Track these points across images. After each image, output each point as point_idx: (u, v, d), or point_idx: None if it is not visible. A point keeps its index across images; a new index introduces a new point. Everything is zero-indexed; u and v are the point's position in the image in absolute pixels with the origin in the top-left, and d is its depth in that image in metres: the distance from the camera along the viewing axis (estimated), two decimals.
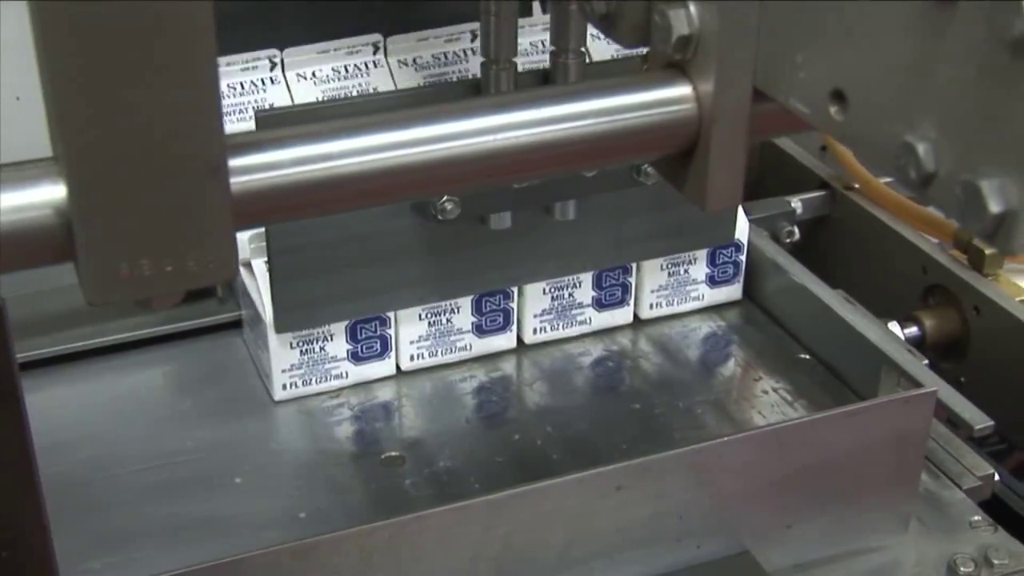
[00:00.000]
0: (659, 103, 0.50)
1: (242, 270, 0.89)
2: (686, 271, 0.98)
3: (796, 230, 1.05)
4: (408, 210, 0.84)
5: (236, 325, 0.96)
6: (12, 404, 0.53)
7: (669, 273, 0.97)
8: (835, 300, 0.93)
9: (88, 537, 0.78)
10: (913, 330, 0.99)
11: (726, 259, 0.99)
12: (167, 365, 0.93)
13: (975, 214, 0.40)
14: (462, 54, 0.89)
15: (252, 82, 0.85)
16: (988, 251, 0.98)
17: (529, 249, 0.90)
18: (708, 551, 0.76)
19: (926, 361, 0.88)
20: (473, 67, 0.88)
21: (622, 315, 0.97)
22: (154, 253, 0.44)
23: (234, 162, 0.44)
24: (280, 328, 0.86)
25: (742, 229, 0.98)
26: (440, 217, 0.82)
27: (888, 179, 1.06)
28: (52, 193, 0.43)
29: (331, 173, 0.46)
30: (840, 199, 1.09)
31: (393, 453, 0.85)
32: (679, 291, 0.98)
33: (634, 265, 0.96)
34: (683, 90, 0.50)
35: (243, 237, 0.88)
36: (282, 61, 0.86)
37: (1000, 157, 0.39)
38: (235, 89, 0.85)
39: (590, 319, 0.96)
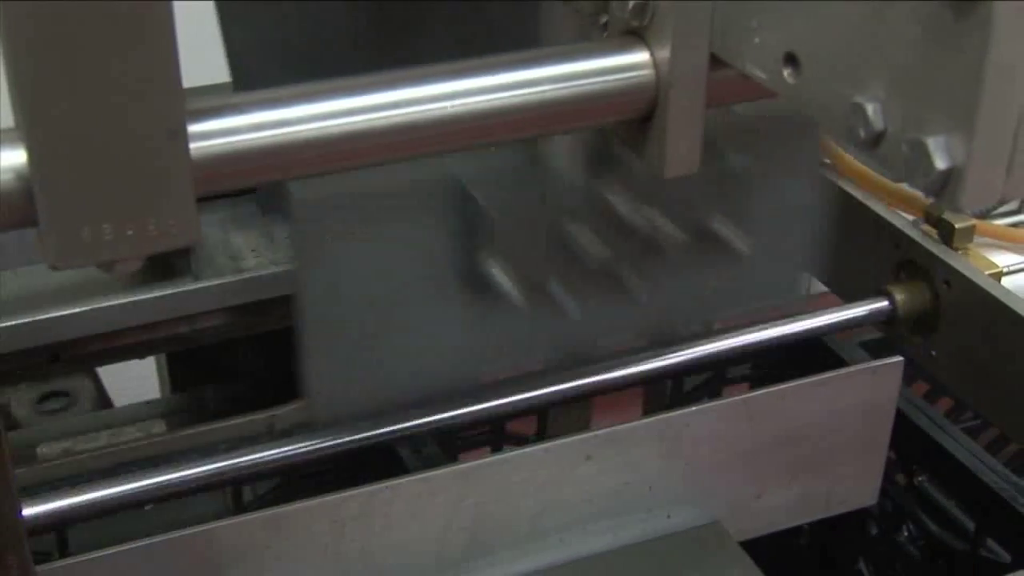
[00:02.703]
0: (617, 69, 0.50)
1: None
2: None
3: None
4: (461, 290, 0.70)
5: None
6: None
7: None
8: None
9: None
10: (885, 304, 0.99)
11: None
12: None
13: (922, 171, 0.41)
14: None
15: None
16: (958, 225, 0.99)
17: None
18: (678, 521, 0.76)
19: None
20: None
21: None
22: (115, 217, 0.44)
23: (194, 127, 0.45)
24: (319, 417, 0.72)
25: None
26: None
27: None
28: (13, 158, 0.43)
29: (290, 138, 0.46)
30: None
31: None
32: None
33: None
34: (641, 56, 0.50)
35: None
36: None
37: (945, 115, 0.40)
38: None
39: None
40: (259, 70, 0.79)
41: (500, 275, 0.67)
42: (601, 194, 0.68)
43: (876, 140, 0.43)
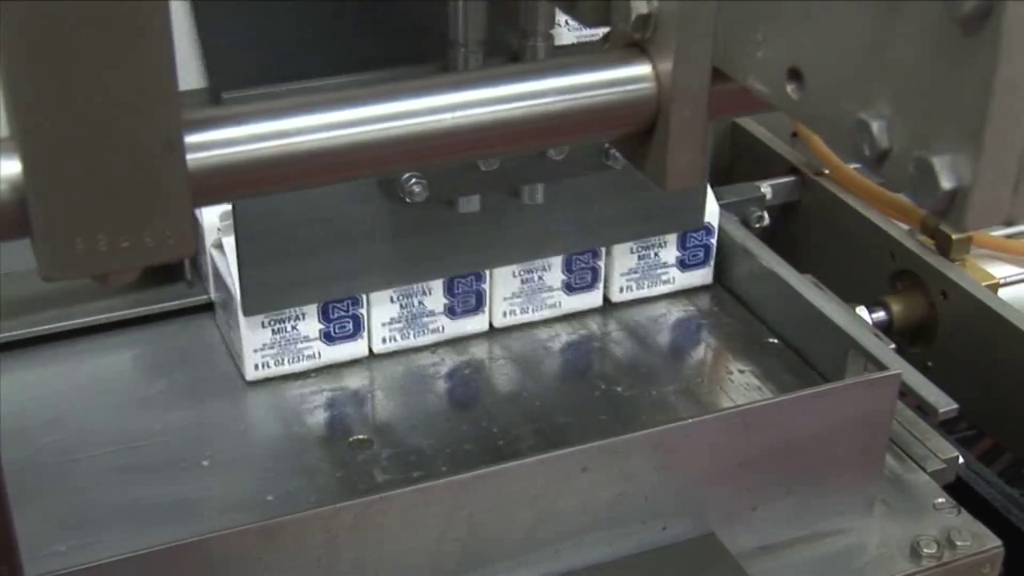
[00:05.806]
0: (619, 82, 0.50)
1: (213, 251, 0.90)
2: (656, 255, 0.98)
3: (766, 215, 1.05)
4: (376, 193, 0.84)
5: (206, 308, 0.95)
6: None
7: (639, 256, 0.98)
8: (803, 284, 0.94)
9: (54, 520, 0.78)
10: (881, 315, 0.99)
11: (696, 243, 0.99)
12: (136, 348, 0.93)
13: (928, 190, 0.41)
14: None
15: None
16: (955, 236, 0.99)
17: (498, 233, 0.90)
18: (674, 532, 0.76)
19: (893, 345, 0.88)
20: None
21: (592, 299, 0.98)
22: (110, 229, 0.44)
23: (191, 138, 0.44)
24: (248, 311, 0.85)
25: (712, 212, 0.98)
26: (408, 200, 0.82)
27: (857, 165, 1.07)
28: (7, 169, 0.43)
29: (288, 150, 0.46)
30: (810, 185, 1.09)
31: (361, 436, 0.85)
32: (649, 275, 0.99)
33: (603, 249, 0.96)
34: (643, 69, 0.50)
35: (214, 219, 0.89)
36: None
37: (952, 133, 0.40)
38: None
39: (560, 303, 0.97)
40: (238, 69, 0.81)
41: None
42: None
43: (881, 158, 0.42)
